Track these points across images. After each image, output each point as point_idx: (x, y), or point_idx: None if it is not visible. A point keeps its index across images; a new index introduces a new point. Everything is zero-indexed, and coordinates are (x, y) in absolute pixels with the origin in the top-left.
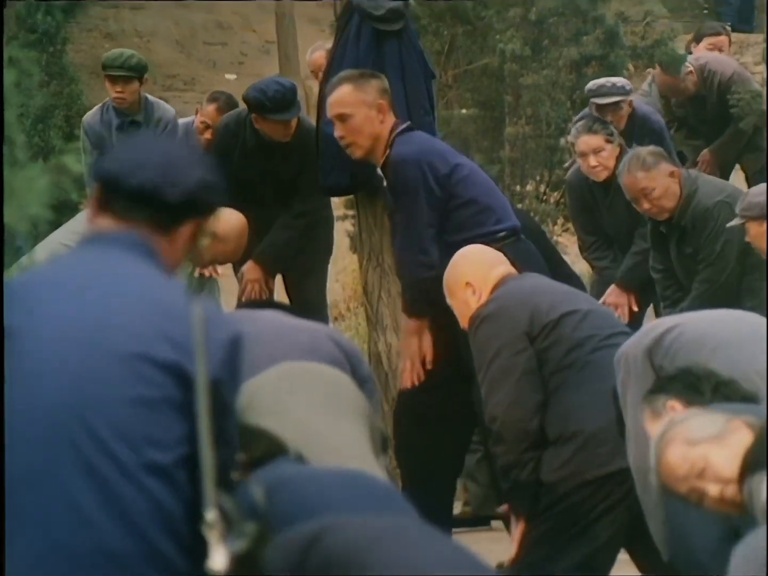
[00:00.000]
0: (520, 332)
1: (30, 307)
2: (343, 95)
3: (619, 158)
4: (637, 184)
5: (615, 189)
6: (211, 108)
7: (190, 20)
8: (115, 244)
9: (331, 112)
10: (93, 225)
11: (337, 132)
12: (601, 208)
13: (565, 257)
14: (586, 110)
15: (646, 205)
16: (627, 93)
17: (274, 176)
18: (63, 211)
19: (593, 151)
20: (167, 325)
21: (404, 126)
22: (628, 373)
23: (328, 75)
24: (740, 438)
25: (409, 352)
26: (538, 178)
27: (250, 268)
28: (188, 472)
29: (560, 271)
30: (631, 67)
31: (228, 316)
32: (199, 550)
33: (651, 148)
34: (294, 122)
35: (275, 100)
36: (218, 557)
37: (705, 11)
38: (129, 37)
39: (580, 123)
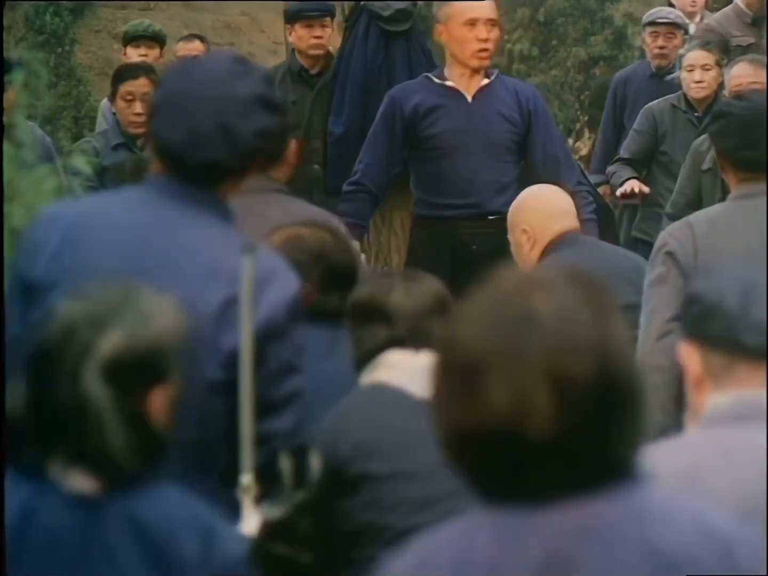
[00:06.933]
0: None
1: (75, 242)
2: (492, 6)
3: (717, 90)
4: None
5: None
6: None
7: (199, 21)
8: (168, 190)
9: (484, 12)
10: (153, 171)
11: (486, 34)
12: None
13: None
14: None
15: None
16: (683, 25)
17: None
18: None
19: (702, 67)
20: (225, 261)
21: None
22: None
23: (335, 76)
24: None
25: None
26: None
27: None
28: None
29: None
30: None
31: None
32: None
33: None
34: None
35: None
36: (251, 521)
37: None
38: None
39: (695, 41)
